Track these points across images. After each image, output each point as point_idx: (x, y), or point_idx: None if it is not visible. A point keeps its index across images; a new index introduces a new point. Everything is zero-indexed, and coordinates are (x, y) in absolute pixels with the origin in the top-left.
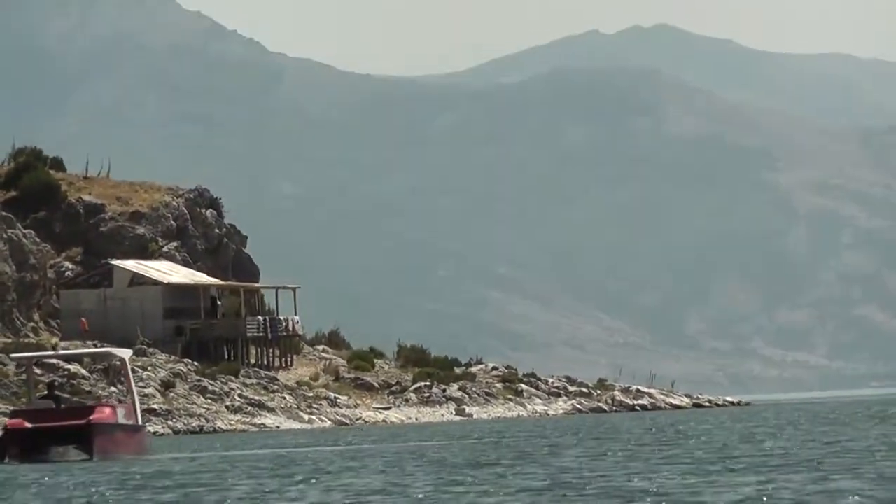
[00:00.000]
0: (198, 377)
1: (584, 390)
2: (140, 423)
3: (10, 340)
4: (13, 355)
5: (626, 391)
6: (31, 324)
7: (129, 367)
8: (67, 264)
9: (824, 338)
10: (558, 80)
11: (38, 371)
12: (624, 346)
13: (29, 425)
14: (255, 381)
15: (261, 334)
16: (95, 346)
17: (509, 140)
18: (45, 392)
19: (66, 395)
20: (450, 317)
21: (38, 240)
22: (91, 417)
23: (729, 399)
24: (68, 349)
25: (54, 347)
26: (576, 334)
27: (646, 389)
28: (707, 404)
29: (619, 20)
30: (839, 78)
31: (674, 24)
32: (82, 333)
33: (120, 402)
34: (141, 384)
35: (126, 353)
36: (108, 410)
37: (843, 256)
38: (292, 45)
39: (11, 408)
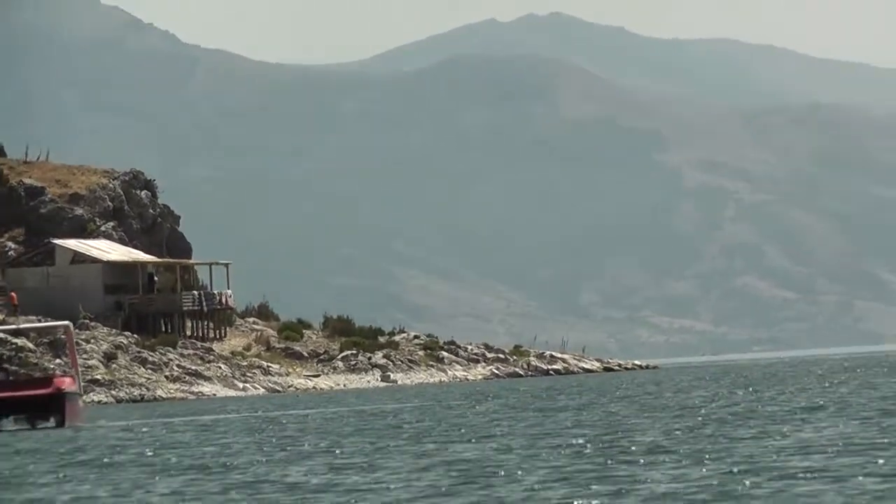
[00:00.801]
0: (138, 349)
1: (501, 356)
2: (81, 392)
3: None
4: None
5: (540, 356)
6: None
7: (73, 338)
8: (10, 244)
9: (709, 306)
10: (457, 66)
11: None
12: (522, 317)
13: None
14: (191, 351)
15: (196, 308)
16: (39, 321)
17: (411, 124)
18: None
19: (13, 368)
20: (357, 291)
21: None
22: (62, 386)
23: (637, 363)
24: (14, 324)
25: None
26: (476, 305)
27: (559, 355)
28: (617, 368)
29: (515, 9)
30: (726, 62)
31: (568, 13)
32: (13, 308)
33: (65, 373)
34: (84, 356)
35: (68, 324)
36: (68, 380)
37: (726, 230)
38: (206, 37)
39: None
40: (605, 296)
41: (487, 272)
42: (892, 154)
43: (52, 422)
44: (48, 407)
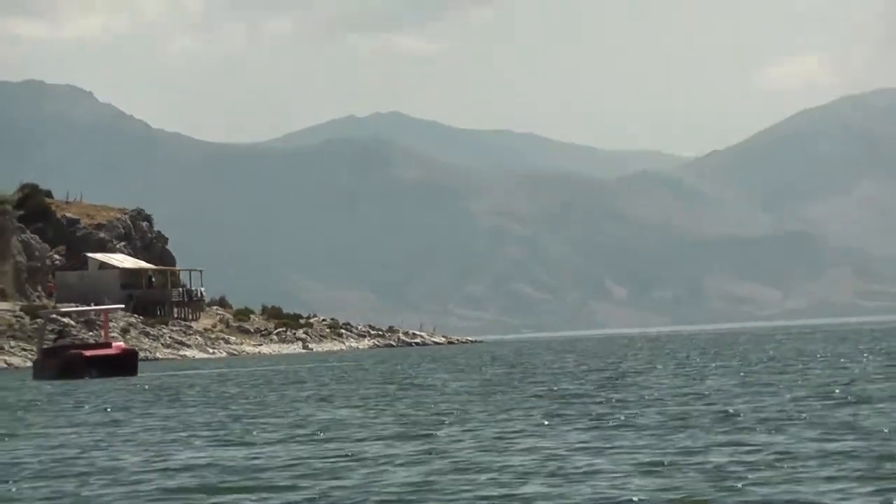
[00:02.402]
0: (143, 326)
1: (380, 333)
2: None
3: (25, 304)
4: (42, 311)
5: (406, 333)
6: (37, 293)
7: (108, 319)
8: (57, 257)
9: (495, 303)
10: (332, 145)
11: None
12: (376, 310)
13: (87, 353)
14: (177, 328)
15: (180, 299)
16: (76, 307)
17: (300, 182)
18: (58, 335)
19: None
20: (266, 293)
21: (39, 241)
22: (126, 349)
23: (470, 338)
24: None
25: (54, 307)
26: (347, 301)
27: (419, 332)
28: (455, 342)
29: (367, 108)
30: (503, 143)
31: (402, 111)
32: (50, 295)
33: (114, 339)
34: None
35: (119, 307)
36: (123, 344)
37: (506, 252)
38: (164, 122)
39: (27, 346)
40: (427, 293)
41: (354, 280)
42: (611, 200)
43: (123, 374)
44: (124, 363)
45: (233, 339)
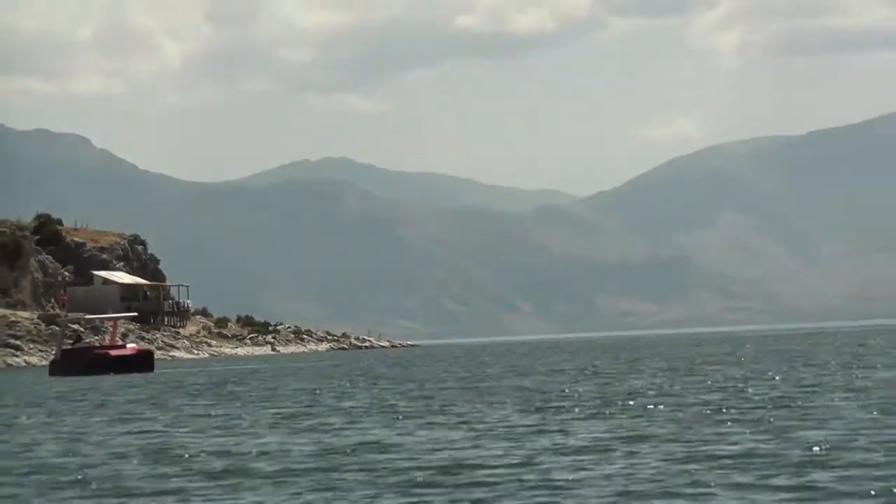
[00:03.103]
0: (139, 331)
1: (336, 338)
2: None
3: (41, 313)
4: (60, 319)
5: (357, 338)
6: (50, 304)
7: (116, 326)
8: (67, 274)
9: (425, 315)
10: (290, 185)
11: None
12: (326, 320)
13: (113, 353)
14: (168, 333)
15: (170, 309)
16: (84, 315)
17: (264, 214)
18: (75, 339)
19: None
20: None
21: (52, 261)
22: (144, 350)
23: (410, 342)
24: (75, 317)
25: (64, 316)
26: (302, 312)
27: (367, 337)
28: (398, 346)
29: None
30: (435, 183)
31: (349, 157)
32: (63, 306)
33: (126, 342)
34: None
35: (131, 315)
36: (135, 345)
37: (435, 274)
38: (152, 164)
39: (43, 348)
40: (370, 307)
41: (310, 294)
42: (520, 231)
43: (142, 371)
44: (143, 361)
45: (214, 342)
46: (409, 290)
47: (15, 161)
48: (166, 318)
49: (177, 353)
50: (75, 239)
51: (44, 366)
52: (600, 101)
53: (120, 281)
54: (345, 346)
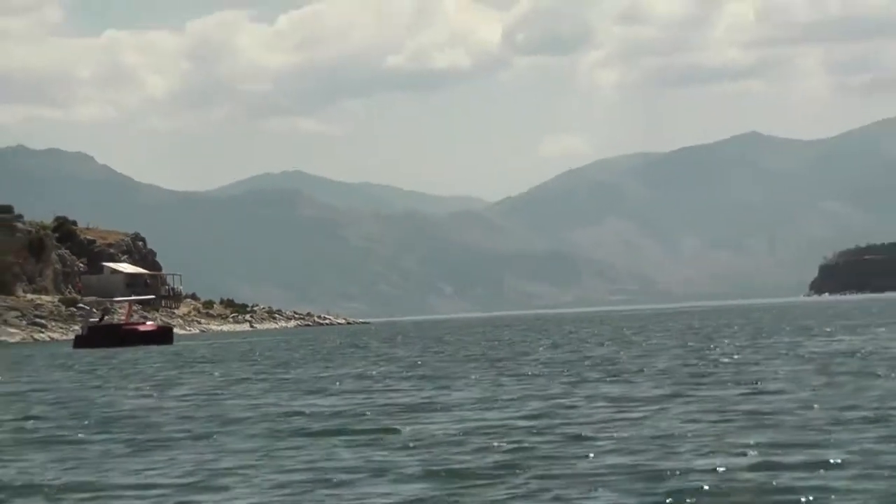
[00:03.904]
0: (142, 312)
1: (302, 316)
2: None
3: (62, 297)
4: (87, 299)
5: (319, 317)
6: (68, 290)
7: (132, 307)
8: (81, 265)
9: (365, 297)
10: (253, 194)
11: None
12: (286, 302)
13: (141, 328)
14: (165, 313)
15: (166, 294)
16: (97, 300)
17: (234, 217)
18: (100, 318)
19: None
20: (219, 291)
21: (69, 254)
22: (165, 326)
23: (362, 320)
24: (98, 301)
25: (81, 301)
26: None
27: (327, 315)
28: (352, 322)
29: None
30: (371, 192)
31: (306, 171)
32: (78, 291)
33: (145, 319)
34: (119, 316)
35: (148, 298)
36: (154, 323)
37: (372, 266)
38: (143, 175)
39: (63, 326)
40: (321, 292)
41: (272, 282)
42: (442, 230)
43: (163, 344)
44: (164, 335)
45: (202, 321)
46: (352, 278)
47: (31, 174)
48: (163, 301)
49: (174, 330)
50: (87, 236)
51: (65, 340)
52: (507, 124)
53: (125, 270)
54: (309, 323)
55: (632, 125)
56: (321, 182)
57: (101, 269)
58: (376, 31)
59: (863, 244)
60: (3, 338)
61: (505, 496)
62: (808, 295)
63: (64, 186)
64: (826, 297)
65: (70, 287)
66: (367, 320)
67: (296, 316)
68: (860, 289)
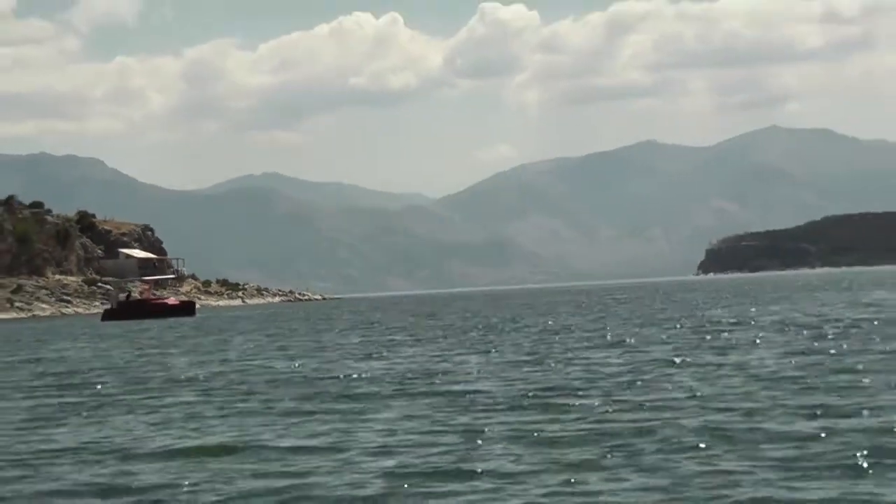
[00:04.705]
0: (153, 290)
1: (284, 293)
2: None
3: (84, 278)
4: (105, 279)
5: (300, 293)
6: (90, 272)
7: (151, 286)
8: (99, 252)
9: (333, 278)
10: (241, 191)
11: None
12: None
13: (169, 302)
14: (171, 291)
15: (171, 275)
16: (115, 279)
17: (222, 212)
18: (128, 294)
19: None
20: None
21: (90, 242)
22: (188, 301)
23: (336, 296)
24: (109, 281)
25: (100, 281)
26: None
27: (305, 292)
28: (327, 298)
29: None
30: (337, 190)
31: (280, 172)
32: (98, 273)
33: (165, 296)
34: (135, 294)
35: (171, 277)
36: (176, 299)
37: (338, 253)
38: (145, 177)
39: (86, 302)
40: (295, 275)
41: (255, 266)
42: (394, 222)
43: (187, 316)
44: (187, 309)
45: (202, 297)
46: (322, 262)
47: (53, 176)
48: (169, 281)
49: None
50: (104, 227)
51: (87, 314)
52: (449, 134)
53: (137, 255)
54: (291, 299)
55: (550, 135)
56: (295, 182)
57: (116, 255)
58: (341, 57)
59: (741, 232)
60: (35, 312)
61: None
62: (697, 274)
63: (80, 186)
64: (711, 276)
65: (91, 270)
66: (339, 296)
67: (280, 293)
68: (739, 269)
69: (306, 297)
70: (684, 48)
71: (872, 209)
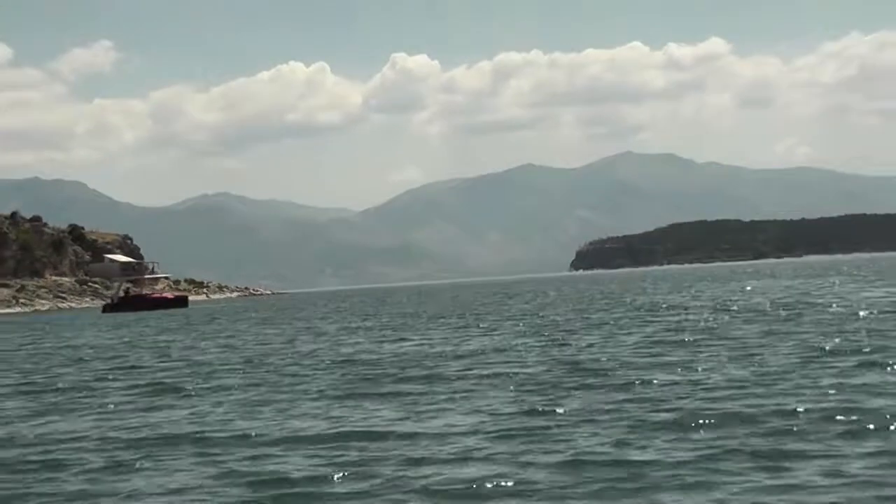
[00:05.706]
0: (134, 288)
1: (242, 290)
2: None
3: (76, 278)
4: (114, 279)
5: (253, 290)
6: (81, 273)
7: (143, 282)
8: (88, 257)
9: (273, 277)
10: (198, 207)
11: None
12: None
13: (168, 296)
14: (148, 289)
15: (149, 276)
16: (102, 280)
17: (184, 225)
18: (126, 290)
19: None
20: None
21: (80, 249)
22: (181, 295)
23: (282, 292)
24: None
25: (89, 281)
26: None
27: (258, 289)
28: (276, 293)
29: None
30: (282, 208)
31: (229, 192)
32: (87, 274)
33: (162, 291)
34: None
35: (164, 276)
36: (170, 293)
37: (290, 256)
38: (121, 195)
39: (79, 298)
40: (244, 276)
41: (212, 270)
42: (328, 233)
43: (181, 307)
44: (181, 302)
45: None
46: (264, 265)
47: (45, 198)
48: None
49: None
50: (91, 237)
51: (80, 308)
52: (367, 159)
53: (120, 260)
54: (246, 294)
55: (450, 160)
56: (242, 200)
57: (102, 259)
58: (279, 97)
59: (604, 237)
60: (36, 307)
61: None
62: (570, 271)
63: (67, 205)
64: (581, 272)
65: (81, 272)
66: (285, 291)
67: (237, 289)
68: (603, 266)
69: (259, 293)
70: (556, 90)
71: (708, 218)
